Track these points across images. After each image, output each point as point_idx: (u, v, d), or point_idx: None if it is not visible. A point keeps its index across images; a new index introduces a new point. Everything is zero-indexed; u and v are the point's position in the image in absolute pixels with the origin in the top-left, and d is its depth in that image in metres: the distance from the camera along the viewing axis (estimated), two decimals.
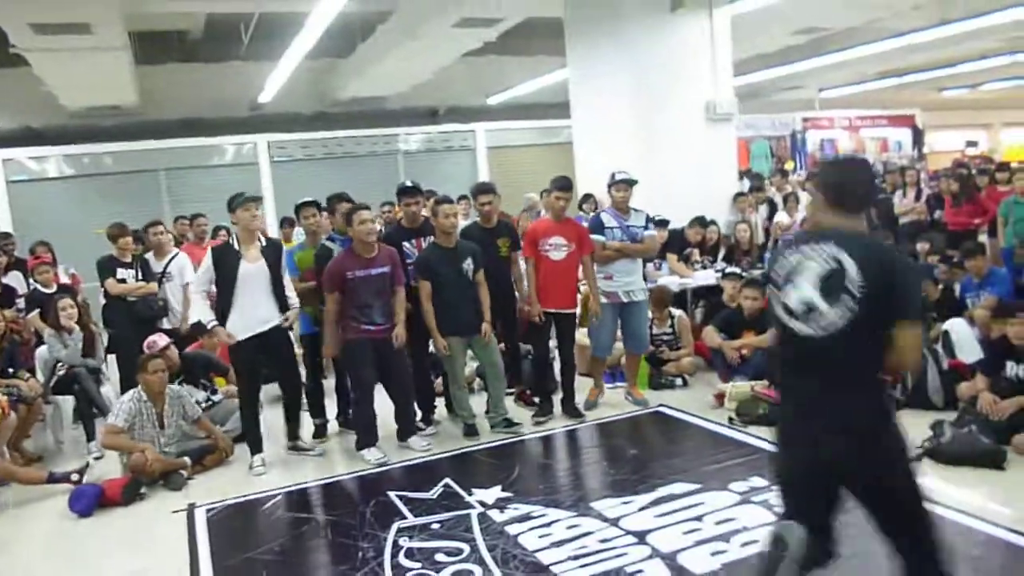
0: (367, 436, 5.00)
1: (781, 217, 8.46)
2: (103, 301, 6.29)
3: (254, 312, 4.83)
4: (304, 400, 5.42)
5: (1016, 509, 3.61)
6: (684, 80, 7.85)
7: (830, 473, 2.38)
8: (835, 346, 2.28)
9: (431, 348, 5.41)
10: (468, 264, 5.16)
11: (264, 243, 4.97)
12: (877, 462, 2.34)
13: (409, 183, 5.49)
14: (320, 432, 5.53)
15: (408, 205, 5.40)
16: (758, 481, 4.12)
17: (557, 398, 5.67)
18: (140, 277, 6.16)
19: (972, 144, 16.79)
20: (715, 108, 7.93)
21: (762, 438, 4.78)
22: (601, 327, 5.61)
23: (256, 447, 5.06)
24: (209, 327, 4.97)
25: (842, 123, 15.33)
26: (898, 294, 2.25)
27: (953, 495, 3.77)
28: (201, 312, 5.06)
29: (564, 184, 5.57)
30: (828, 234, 2.37)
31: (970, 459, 4.16)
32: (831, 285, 2.28)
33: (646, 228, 5.62)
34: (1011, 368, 4.57)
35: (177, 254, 6.66)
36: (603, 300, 5.50)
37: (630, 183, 5.55)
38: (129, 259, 6.16)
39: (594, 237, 5.49)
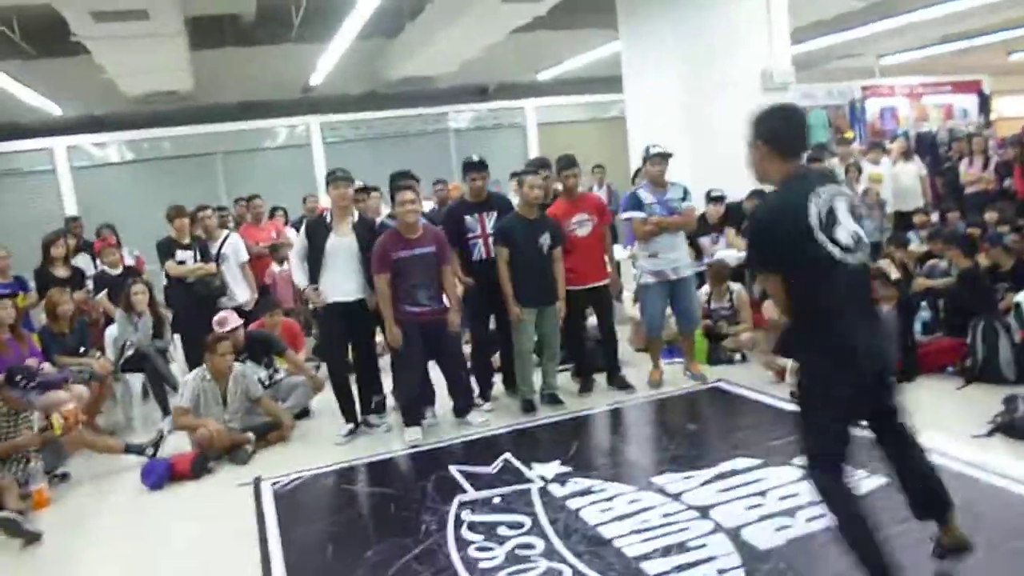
0: (409, 415, 5.06)
1: None
2: (164, 282, 6.46)
3: (340, 283, 4.97)
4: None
5: None
6: (739, 49, 7.65)
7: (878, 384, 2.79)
8: (866, 271, 2.72)
9: (491, 324, 5.44)
10: (546, 238, 5.18)
11: (356, 219, 5.06)
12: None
13: (476, 158, 5.50)
14: (379, 408, 5.60)
15: (474, 180, 5.41)
16: None
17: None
18: (199, 258, 6.30)
19: None
20: (772, 77, 7.72)
21: None
22: (651, 305, 5.57)
23: (349, 415, 5.19)
24: (303, 288, 5.14)
25: (903, 90, 14.80)
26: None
27: None
28: (297, 277, 5.24)
29: (570, 162, 5.58)
30: (814, 177, 2.74)
31: None
32: (856, 217, 2.65)
33: (683, 200, 5.53)
34: None
35: (228, 235, 6.78)
36: (651, 280, 5.45)
37: (665, 156, 5.46)
38: (188, 240, 6.29)
39: (634, 214, 5.42)
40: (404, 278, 4.85)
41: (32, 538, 4.01)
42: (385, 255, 4.85)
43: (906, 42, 12.95)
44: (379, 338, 5.51)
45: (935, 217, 8.50)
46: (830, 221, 2.58)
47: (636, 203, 5.49)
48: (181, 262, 6.21)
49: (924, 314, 5.83)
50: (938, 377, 5.17)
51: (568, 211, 5.51)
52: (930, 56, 13.88)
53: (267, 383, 5.74)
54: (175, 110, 11.42)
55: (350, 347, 5.26)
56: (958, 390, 4.95)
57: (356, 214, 5.13)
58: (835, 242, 2.57)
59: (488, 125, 13.20)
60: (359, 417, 5.30)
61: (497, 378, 5.77)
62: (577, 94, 13.11)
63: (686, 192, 5.60)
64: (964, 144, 9.89)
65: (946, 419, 4.56)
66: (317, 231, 5.05)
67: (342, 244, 4.98)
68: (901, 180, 8.83)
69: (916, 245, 7.13)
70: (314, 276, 5.03)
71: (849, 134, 12.73)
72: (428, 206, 6.73)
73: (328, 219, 5.07)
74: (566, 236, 5.39)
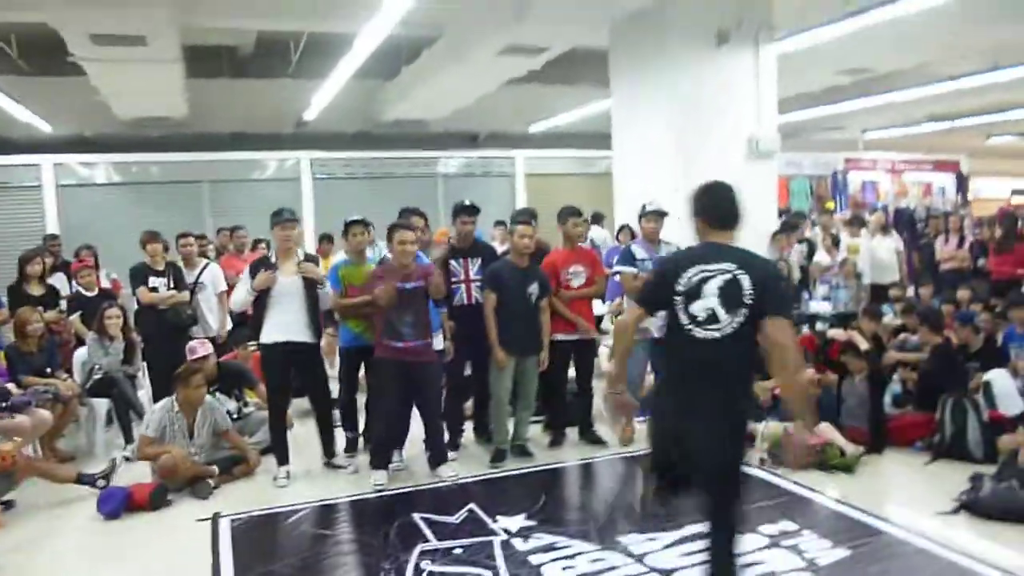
0: (377, 458, 4.97)
1: (821, 257, 8.37)
2: (135, 307, 6.40)
3: (285, 324, 4.90)
4: (338, 413, 5.48)
5: None
6: (727, 115, 7.82)
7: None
8: (725, 347, 2.81)
9: (466, 371, 5.43)
10: (534, 288, 5.20)
11: (302, 259, 5.04)
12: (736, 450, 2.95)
13: (467, 202, 5.53)
14: (351, 446, 5.54)
15: (464, 223, 5.43)
16: (788, 525, 4.04)
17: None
18: (172, 285, 6.26)
19: (1019, 192, 16.49)
20: (757, 145, 7.88)
21: (794, 481, 4.71)
22: (633, 362, 5.56)
23: (282, 459, 5.09)
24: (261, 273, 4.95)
25: (885, 165, 15.16)
26: (772, 297, 2.81)
27: (990, 551, 3.67)
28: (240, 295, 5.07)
29: (575, 211, 5.68)
30: (724, 251, 2.88)
31: (1009, 514, 4.03)
32: (729, 296, 2.80)
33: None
34: None
35: (208, 264, 6.75)
36: (636, 336, 5.46)
37: (661, 215, 5.53)
38: (162, 267, 6.25)
39: (625, 269, 5.47)
40: (391, 310, 4.81)
41: None
42: (374, 284, 4.83)
43: (890, 119, 13.31)
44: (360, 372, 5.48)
45: (911, 291, 8.64)
46: (693, 293, 2.82)
47: (629, 258, 5.53)
48: (154, 288, 6.15)
49: (895, 387, 5.89)
50: (906, 451, 5.20)
51: (567, 260, 5.55)
52: (912, 134, 14.27)
53: (236, 416, 5.68)
54: (166, 136, 11.45)
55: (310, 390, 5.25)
56: (925, 465, 4.97)
57: (301, 254, 5.10)
58: (688, 312, 2.84)
59: (477, 172, 13.32)
60: (325, 460, 5.26)
61: (468, 425, 5.73)
62: (566, 147, 13.30)
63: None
64: (940, 222, 10.12)
65: (912, 494, 4.59)
66: (260, 271, 4.96)
67: (287, 284, 4.92)
68: (878, 253, 8.99)
69: (890, 318, 7.23)
70: (258, 317, 4.95)
71: (830, 204, 13.00)
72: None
73: (272, 259, 5.03)
74: (562, 285, 5.44)
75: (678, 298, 2.85)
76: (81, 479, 4.84)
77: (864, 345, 5.55)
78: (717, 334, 2.80)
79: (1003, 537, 3.86)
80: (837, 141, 14.87)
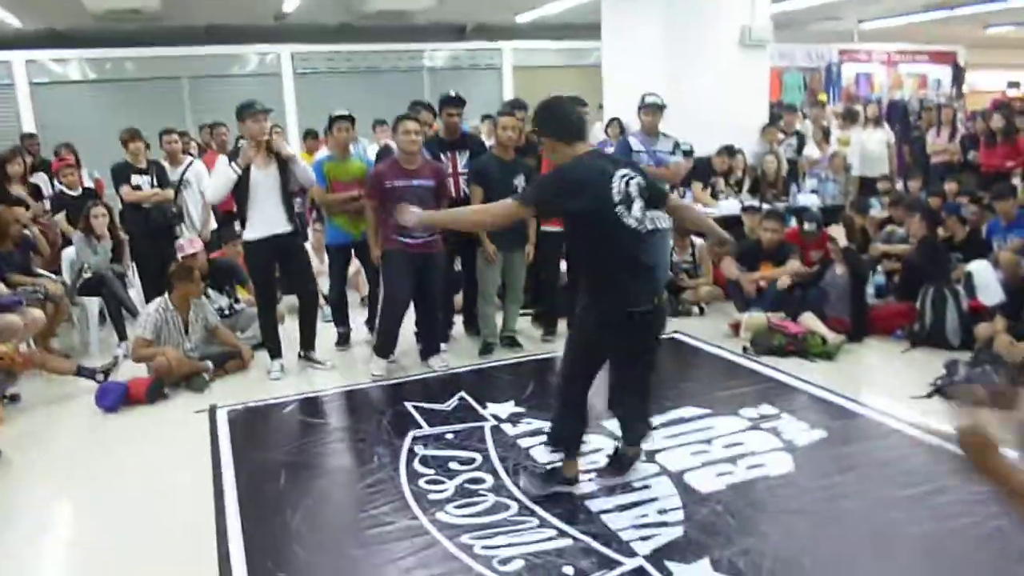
0: (384, 347, 5.05)
1: (811, 151, 8.31)
2: (119, 207, 6.34)
3: (267, 217, 4.89)
4: (329, 309, 5.59)
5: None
6: (719, 4, 7.62)
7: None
8: (659, 235, 3.22)
9: (456, 266, 5.47)
10: (520, 180, 5.16)
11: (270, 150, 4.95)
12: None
13: (453, 93, 5.42)
14: (343, 340, 5.64)
15: (450, 115, 5.35)
16: (768, 409, 4.18)
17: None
18: (155, 183, 6.18)
19: (1014, 85, 16.25)
20: (749, 34, 7.72)
21: (775, 368, 4.84)
22: None
23: (274, 352, 5.17)
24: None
25: (880, 57, 14.84)
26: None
27: None
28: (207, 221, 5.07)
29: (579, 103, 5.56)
30: (608, 160, 3.24)
31: None
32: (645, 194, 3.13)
33: (672, 153, 5.55)
34: None
35: (192, 161, 6.66)
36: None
37: (659, 107, 5.46)
38: (144, 165, 6.16)
39: None
40: (398, 208, 4.79)
41: None
42: (378, 183, 4.81)
43: (886, 8, 12.93)
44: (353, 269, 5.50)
45: (899, 185, 8.63)
46: (627, 199, 3.02)
47: (625, 149, 5.48)
48: (137, 187, 6.08)
49: (878, 278, 5.98)
50: (887, 339, 5.33)
51: None
52: (909, 24, 13.89)
53: (227, 312, 5.73)
54: (140, 30, 11.04)
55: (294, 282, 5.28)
56: (903, 352, 5.11)
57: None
58: (633, 215, 3.03)
59: (464, 65, 12.98)
60: (301, 352, 5.32)
61: (458, 319, 5.81)
62: (555, 39, 12.92)
63: (677, 145, 5.61)
64: (933, 114, 10.00)
65: (890, 380, 4.74)
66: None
67: (264, 177, 4.86)
68: (868, 146, 8.93)
69: (877, 211, 7.26)
70: (242, 212, 4.91)
71: (823, 97, 12.79)
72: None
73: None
74: None
75: (619, 206, 3.03)
76: (81, 371, 4.92)
77: (844, 242, 5.58)
78: (652, 227, 3.14)
79: None
80: (832, 32, 14.48)
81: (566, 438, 3.39)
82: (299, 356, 5.32)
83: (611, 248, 3.07)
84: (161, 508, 3.45)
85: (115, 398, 4.65)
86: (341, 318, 5.69)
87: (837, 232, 6.43)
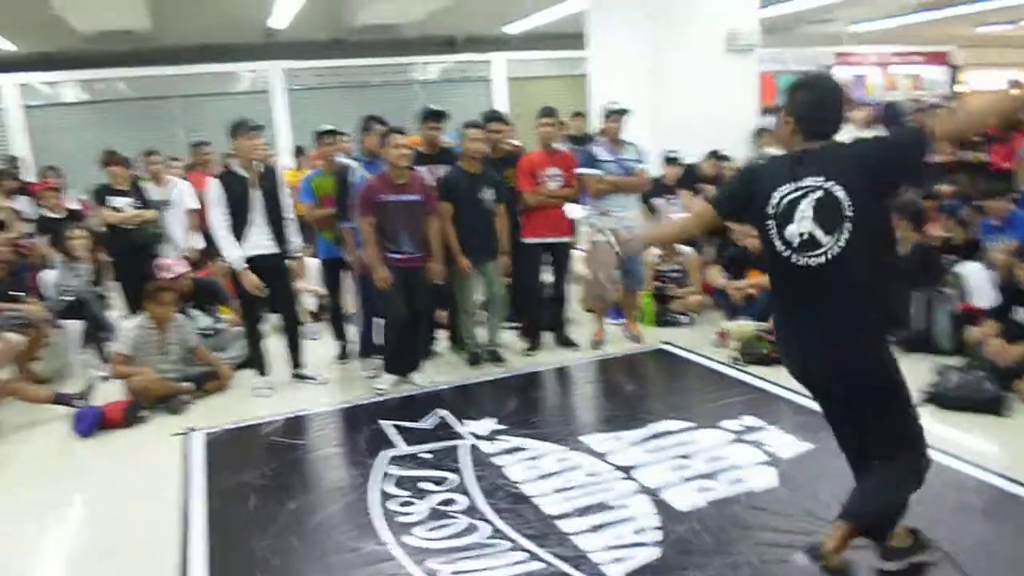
0: (392, 363, 5.02)
1: None
2: (102, 228, 6.31)
3: (255, 238, 4.86)
4: (314, 326, 5.55)
5: (1013, 455, 3.55)
6: (705, 8, 7.57)
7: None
8: (819, 275, 2.42)
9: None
10: (489, 193, 5.11)
11: (262, 170, 4.92)
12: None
13: (435, 107, 5.38)
14: (343, 354, 5.59)
15: (431, 129, 5.31)
16: (753, 421, 4.08)
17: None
18: (138, 204, 6.14)
19: (1015, 84, 16.12)
20: (736, 38, 7.65)
21: (762, 378, 4.75)
22: (603, 263, 5.54)
23: (261, 370, 5.12)
24: (238, 266, 4.85)
25: (873, 59, 14.76)
26: (898, 160, 2.40)
27: (953, 439, 3.71)
28: (232, 250, 4.84)
29: (548, 112, 5.55)
30: (810, 163, 2.44)
31: (973, 405, 4.07)
32: (826, 215, 2.39)
33: (639, 161, 5.48)
34: (1021, 314, 4.44)
35: (176, 182, 6.63)
36: (601, 238, 5.41)
37: (622, 113, 5.39)
38: (125, 187, 6.13)
39: (589, 171, 5.37)
40: (387, 222, 4.76)
41: None
42: (371, 197, 4.75)
43: (878, 10, 12.88)
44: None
45: None
46: (786, 215, 2.45)
47: (591, 160, 5.42)
48: (116, 209, 6.05)
49: None
50: None
51: (542, 162, 5.44)
52: (900, 26, 13.83)
53: (209, 332, 5.67)
54: (132, 51, 11.05)
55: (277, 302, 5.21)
56: None
57: (262, 166, 4.95)
58: (781, 236, 2.47)
59: (455, 78, 12.97)
60: (293, 371, 5.28)
61: (442, 334, 5.74)
62: (546, 49, 12.90)
63: (639, 152, 5.54)
64: (925, 115, 9.89)
65: None
66: (234, 185, 4.83)
67: (257, 197, 4.84)
68: None
69: None
70: (238, 233, 4.83)
71: None
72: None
73: (242, 172, 4.86)
74: (533, 187, 5.36)
75: (769, 220, 2.49)
76: (59, 399, 4.86)
77: None
78: (817, 262, 2.41)
79: (966, 425, 3.91)
80: (824, 35, 14.45)
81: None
82: (292, 376, 5.28)
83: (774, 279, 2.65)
84: (127, 532, 3.39)
85: (91, 422, 4.58)
86: (338, 332, 5.65)
87: None
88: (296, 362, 5.29)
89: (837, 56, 14.39)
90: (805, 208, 2.42)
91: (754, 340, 5.09)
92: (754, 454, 3.72)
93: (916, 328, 5.05)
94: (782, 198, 2.46)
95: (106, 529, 3.43)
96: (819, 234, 2.40)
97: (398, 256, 4.80)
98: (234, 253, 4.84)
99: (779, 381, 4.66)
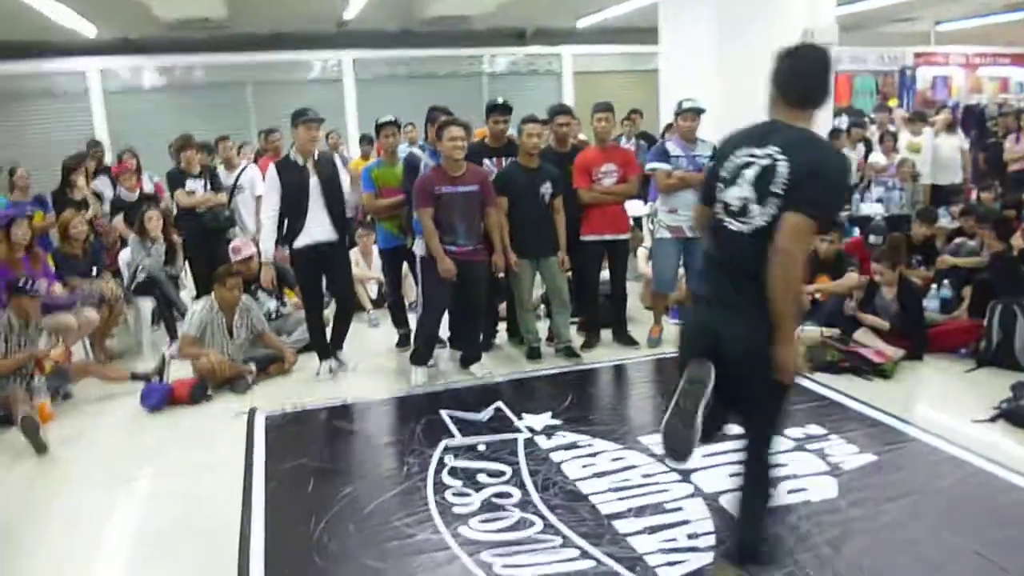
0: (422, 355, 5.05)
1: (876, 157, 7.99)
2: (175, 211, 6.50)
3: (313, 227, 4.92)
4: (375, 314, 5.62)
5: None
6: (780, 4, 7.37)
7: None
8: (748, 245, 2.43)
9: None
10: (547, 187, 5.10)
11: (316, 157, 4.98)
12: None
13: (500, 100, 5.36)
14: (403, 342, 5.66)
15: (496, 122, 5.30)
16: (815, 429, 3.99)
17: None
18: (209, 188, 6.31)
19: None
20: (812, 35, 7.42)
21: (827, 385, 4.62)
22: (664, 261, 5.47)
23: (323, 354, 5.20)
24: (269, 258, 4.97)
25: (958, 60, 14.18)
26: (804, 189, 2.33)
27: (1021, 458, 3.56)
28: (269, 240, 4.94)
29: (605, 106, 5.46)
30: (777, 132, 2.44)
31: None
32: (762, 185, 2.40)
33: (712, 158, 5.35)
34: None
35: (246, 166, 6.78)
36: (667, 235, 5.33)
37: (698, 112, 5.28)
38: (198, 171, 6.31)
39: (659, 166, 5.29)
40: (444, 215, 4.76)
41: (42, 447, 4.16)
42: (428, 189, 4.76)
43: (965, 8, 12.37)
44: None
45: (973, 194, 8.21)
46: (732, 178, 2.49)
47: (663, 155, 5.34)
48: (191, 192, 6.23)
49: (944, 292, 5.66)
50: (949, 358, 5.04)
51: (596, 159, 5.38)
52: (989, 25, 13.25)
53: (275, 315, 5.80)
54: (209, 38, 11.34)
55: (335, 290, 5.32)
56: (967, 372, 4.82)
57: (316, 153, 4.98)
58: (722, 197, 2.53)
59: (523, 70, 12.93)
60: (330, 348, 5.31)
61: (501, 326, 5.76)
62: (616, 43, 12.77)
63: (715, 150, 5.42)
64: (1011, 119, 9.50)
65: (950, 401, 4.47)
66: (292, 173, 4.88)
67: (314, 184, 4.89)
68: (941, 152, 8.52)
69: (947, 221, 6.90)
70: (294, 222, 4.89)
71: (893, 101, 12.29)
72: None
73: (299, 160, 4.90)
74: (588, 184, 5.31)
75: (719, 183, 2.54)
76: (135, 376, 5.06)
77: (892, 292, 5.21)
78: (745, 228, 2.44)
79: None
80: (907, 35, 13.93)
81: None
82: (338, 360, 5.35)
83: None
84: (190, 509, 3.49)
85: (159, 398, 4.74)
86: (401, 320, 5.74)
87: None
88: (338, 343, 5.30)
89: (918, 56, 13.87)
90: (750, 174, 2.44)
91: (820, 347, 4.96)
92: (815, 463, 3.64)
93: (992, 341, 4.85)
94: (738, 160, 2.49)
95: (170, 507, 3.54)
96: (751, 202, 2.43)
97: (453, 249, 4.80)
98: (267, 244, 4.93)
99: (844, 390, 4.55)
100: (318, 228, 4.92)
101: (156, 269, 5.97)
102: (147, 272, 5.94)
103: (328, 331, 5.30)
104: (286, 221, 4.94)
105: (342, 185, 5.10)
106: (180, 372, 5.10)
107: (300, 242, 4.94)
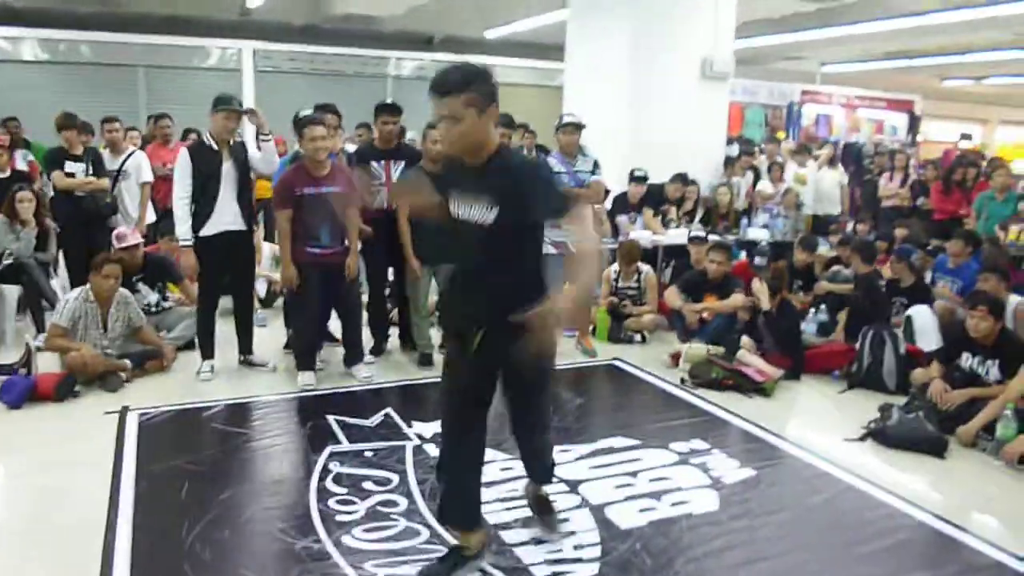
0: (303, 359, 4.90)
1: (764, 186, 8.35)
2: (51, 193, 6.09)
3: (223, 214, 4.73)
4: (263, 314, 5.40)
5: (948, 497, 3.61)
6: (683, 33, 7.66)
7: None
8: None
9: (389, 276, 5.33)
10: None
11: (232, 144, 4.79)
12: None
13: (389, 101, 5.27)
14: (288, 344, 5.45)
15: (385, 123, 5.19)
16: (699, 444, 4.09)
17: None
18: (91, 172, 5.94)
19: (966, 137, 16.69)
20: (711, 65, 7.74)
21: (711, 402, 4.77)
22: (552, 276, 5.50)
23: (207, 352, 4.97)
24: (184, 242, 4.73)
25: (840, 100, 15.09)
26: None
27: (889, 477, 3.78)
28: (181, 224, 4.70)
29: (506, 122, 5.52)
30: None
31: (912, 445, 4.14)
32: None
33: (593, 172, 5.45)
34: (966, 359, 4.54)
35: (133, 152, 6.44)
36: (552, 251, 5.36)
37: (578, 127, 5.37)
38: (80, 152, 5.93)
39: None
40: (308, 216, 4.63)
41: None
42: (287, 190, 4.63)
43: (849, 52, 13.20)
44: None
45: (849, 226, 8.73)
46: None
47: None
48: (70, 174, 5.84)
49: (821, 316, 5.97)
50: (824, 379, 5.30)
51: None
52: (869, 71, 14.20)
53: (155, 309, 5.51)
54: (98, 13, 10.75)
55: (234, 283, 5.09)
56: (840, 393, 5.08)
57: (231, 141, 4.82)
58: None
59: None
60: (241, 357, 5.16)
61: (393, 332, 5.66)
62: (524, 57, 12.90)
63: (596, 165, 5.49)
64: (886, 159, 10.16)
65: (824, 420, 4.69)
66: (204, 157, 4.69)
67: (229, 169, 4.73)
68: (823, 185, 9.03)
69: (826, 249, 7.29)
70: (205, 206, 4.69)
71: (781, 135, 12.94)
72: (351, 148, 6.48)
73: (213, 145, 4.72)
74: None
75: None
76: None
77: (765, 305, 5.45)
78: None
79: (903, 464, 3.97)
80: (795, 72, 14.75)
81: None
82: (239, 361, 5.17)
83: None
84: (50, 513, 3.24)
85: (20, 393, 4.38)
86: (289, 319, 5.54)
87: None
88: (247, 347, 5.16)
89: (804, 93, 14.67)
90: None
91: (705, 364, 5.13)
92: (698, 476, 3.73)
93: (863, 365, 5.13)
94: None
95: (28, 508, 3.29)
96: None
97: (318, 251, 4.66)
98: (182, 228, 4.70)
99: (727, 406, 4.70)
100: (227, 215, 4.73)
101: (25, 254, 5.56)
102: (15, 257, 5.52)
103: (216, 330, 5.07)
104: (193, 207, 4.71)
105: (251, 174, 4.91)
106: (48, 366, 4.75)
107: (208, 230, 4.72)
